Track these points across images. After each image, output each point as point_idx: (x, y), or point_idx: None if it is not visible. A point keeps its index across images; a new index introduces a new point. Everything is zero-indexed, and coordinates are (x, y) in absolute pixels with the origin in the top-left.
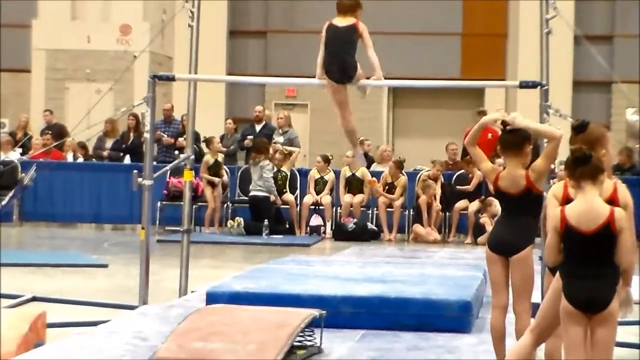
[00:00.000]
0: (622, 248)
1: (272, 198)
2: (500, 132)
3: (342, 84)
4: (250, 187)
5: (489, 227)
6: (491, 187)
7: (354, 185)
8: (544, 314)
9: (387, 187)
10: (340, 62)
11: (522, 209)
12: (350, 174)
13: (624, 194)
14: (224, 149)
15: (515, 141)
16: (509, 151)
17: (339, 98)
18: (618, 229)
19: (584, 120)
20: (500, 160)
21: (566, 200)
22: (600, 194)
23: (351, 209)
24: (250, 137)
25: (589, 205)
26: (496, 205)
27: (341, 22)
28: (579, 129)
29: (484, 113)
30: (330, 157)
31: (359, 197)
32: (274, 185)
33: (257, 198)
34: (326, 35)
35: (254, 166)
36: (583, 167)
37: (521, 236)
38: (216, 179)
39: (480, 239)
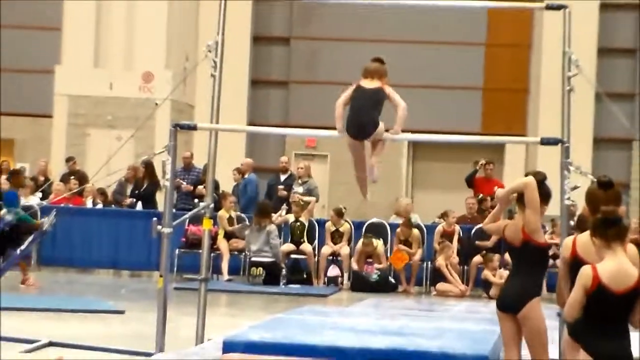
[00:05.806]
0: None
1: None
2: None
3: (359, 141)
4: (254, 252)
5: (493, 279)
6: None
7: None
8: None
9: (402, 243)
10: (359, 120)
11: (525, 260)
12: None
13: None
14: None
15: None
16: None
17: (355, 154)
18: None
19: (607, 176)
20: None
21: (574, 258)
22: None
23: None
24: (281, 186)
25: (620, 266)
26: (497, 260)
27: (369, 84)
28: (609, 185)
29: (476, 163)
30: (344, 210)
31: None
32: (280, 250)
33: (264, 264)
34: (352, 94)
35: (258, 231)
36: (615, 228)
37: (525, 292)
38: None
39: (491, 293)
